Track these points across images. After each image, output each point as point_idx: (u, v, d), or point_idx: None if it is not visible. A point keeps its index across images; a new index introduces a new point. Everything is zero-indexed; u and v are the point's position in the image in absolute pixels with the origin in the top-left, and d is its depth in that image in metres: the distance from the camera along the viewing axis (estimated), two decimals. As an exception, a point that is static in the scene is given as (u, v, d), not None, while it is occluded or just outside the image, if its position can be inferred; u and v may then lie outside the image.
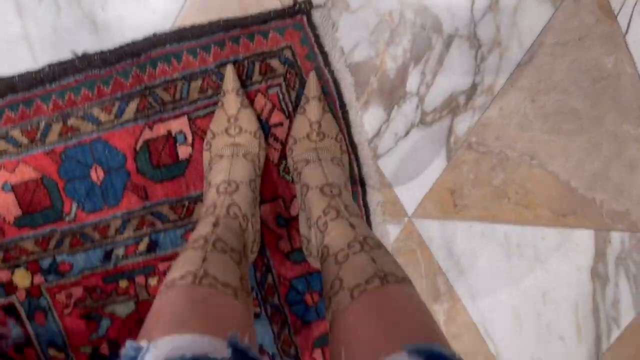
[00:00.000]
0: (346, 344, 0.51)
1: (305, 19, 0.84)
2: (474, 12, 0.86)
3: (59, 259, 0.91)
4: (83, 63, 0.83)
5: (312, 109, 0.84)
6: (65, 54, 0.83)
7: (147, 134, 0.86)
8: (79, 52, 0.83)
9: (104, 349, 0.97)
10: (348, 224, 0.70)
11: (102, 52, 0.83)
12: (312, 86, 0.84)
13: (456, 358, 0.46)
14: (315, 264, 0.89)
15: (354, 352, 0.50)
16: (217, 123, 0.84)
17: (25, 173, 0.87)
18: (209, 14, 0.83)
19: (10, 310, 0.94)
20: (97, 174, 0.88)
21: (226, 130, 0.83)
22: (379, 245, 0.65)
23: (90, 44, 0.83)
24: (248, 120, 0.84)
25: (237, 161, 0.80)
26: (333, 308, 0.59)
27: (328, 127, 0.86)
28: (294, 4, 0.84)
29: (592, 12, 0.89)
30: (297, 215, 0.93)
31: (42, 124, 0.85)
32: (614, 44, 0.90)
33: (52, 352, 0.97)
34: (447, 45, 0.88)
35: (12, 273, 0.92)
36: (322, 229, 0.72)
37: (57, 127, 0.85)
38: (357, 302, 0.55)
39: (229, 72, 0.83)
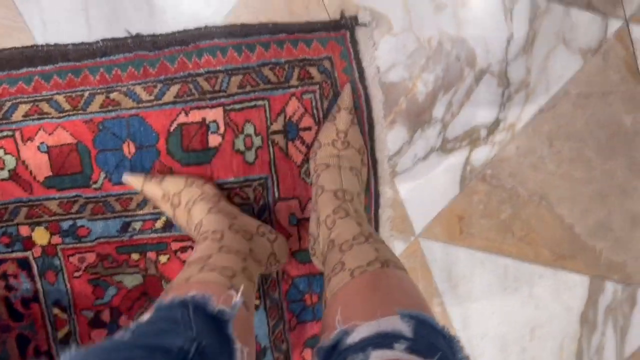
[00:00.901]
0: (343, 306, 0.55)
1: (348, 34, 0.89)
2: (508, 52, 0.91)
3: (79, 223, 0.95)
4: (135, 43, 0.87)
5: (342, 118, 0.89)
6: (119, 32, 0.88)
7: (182, 118, 0.91)
8: (133, 32, 0.88)
9: (106, 315, 1.01)
10: (355, 222, 0.75)
11: (154, 35, 0.88)
12: (346, 97, 0.89)
13: (445, 331, 0.49)
14: (318, 264, 0.93)
15: (350, 312, 0.54)
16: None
17: (63, 137, 0.91)
18: (259, 15, 0.88)
19: (25, 264, 0.98)
20: (129, 149, 0.92)
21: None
22: (383, 242, 0.70)
23: (144, 26, 0.88)
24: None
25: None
26: (332, 285, 0.63)
27: (353, 138, 0.90)
28: (341, 19, 0.88)
29: (619, 71, 0.93)
30: (309, 217, 0.97)
31: (87, 94, 0.89)
32: (635, 104, 0.94)
33: (56, 310, 1.01)
34: (478, 79, 0.92)
35: (33, 230, 0.96)
36: (329, 226, 0.77)
37: (99, 99, 0.90)
38: (357, 279, 0.60)
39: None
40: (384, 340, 0.46)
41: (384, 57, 0.91)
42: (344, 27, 0.89)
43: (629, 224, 1.00)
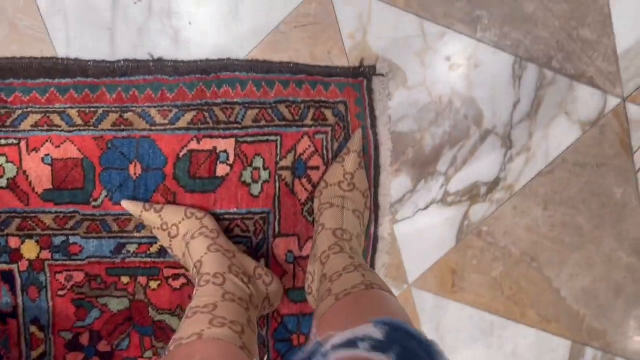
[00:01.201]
0: (321, 323, 0.57)
1: (365, 82, 0.92)
2: (513, 116, 0.95)
3: (71, 239, 0.93)
4: (156, 66, 0.88)
5: (350, 161, 0.91)
6: (141, 54, 0.89)
7: (193, 145, 0.91)
8: (156, 55, 0.89)
9: (84, 338, 0.97)
10: (348, 256, 0.77)
11: (176, 61, 0.89)
12: (356, 141, 0.91)
13: (422, 336, 0.49)
14: (313, 303, 0.92)
15: (327, 327, 0.55)
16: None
17: (69, 151, 0.90)
18: (281, 54, 0.90)
19: (8, 277, 0.94)
20: (135, 169, 0.91)
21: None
22: (372, 270, 0.72)
23: (167, 51, 0.89)
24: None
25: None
26: (318, 311, 0.64)
27: (359, 181, 0.92)
28: (360, 67, 0.91)
29: (613, 146, 0.98)
30: (306, 256, 0.97)
31: (100, 111, 0.89)
32: (626, 178, 0.99)
33: (32, 329, 0.96)
34: (483, 138, 0.96)
35: (22, 242, 0.93)
36: (323, 261, 0.79)
37: (112, 117, 0.89)
38: (340, 300, 0.61)
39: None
40: (351, 343, 0.47)
41: (396, 108, 0.94)
42: (362, 74, 0.92)
43: (612, 293, 1.04)
